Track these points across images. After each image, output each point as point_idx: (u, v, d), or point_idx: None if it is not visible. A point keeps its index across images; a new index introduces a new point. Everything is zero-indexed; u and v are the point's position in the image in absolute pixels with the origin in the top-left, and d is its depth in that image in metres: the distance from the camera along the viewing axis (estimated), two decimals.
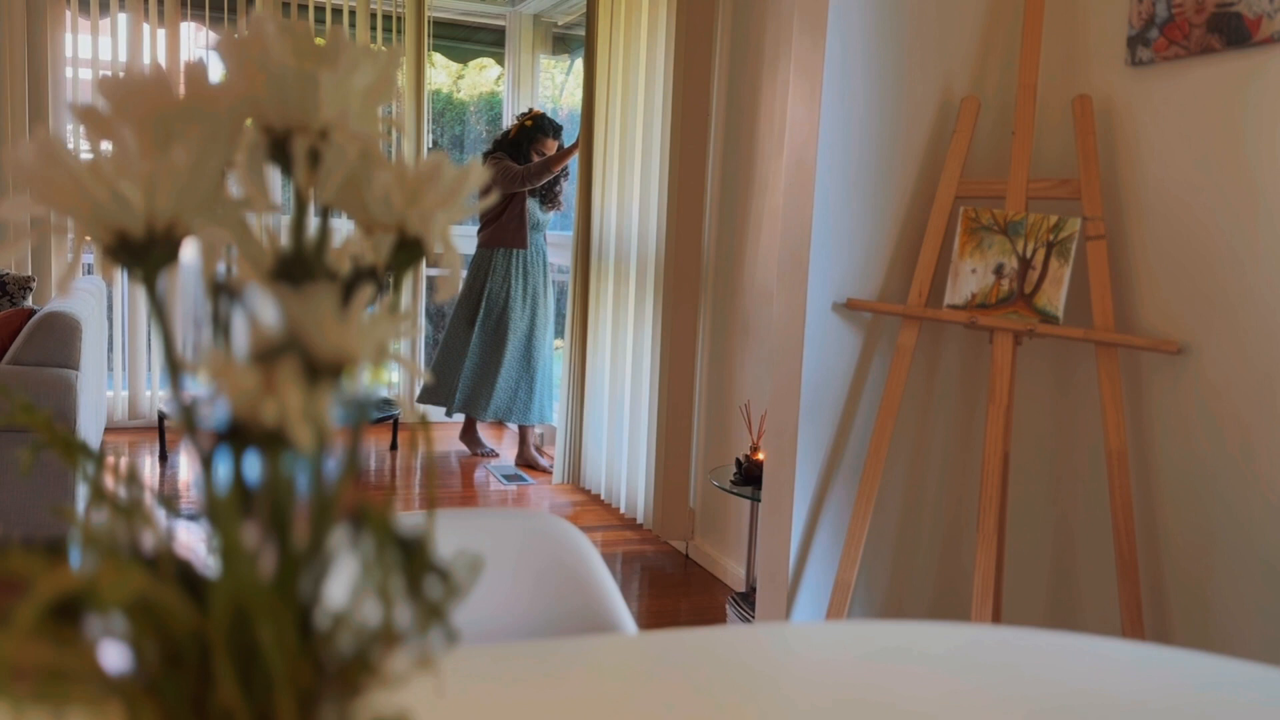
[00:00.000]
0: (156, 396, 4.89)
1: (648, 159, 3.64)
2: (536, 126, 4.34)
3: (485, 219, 4.41)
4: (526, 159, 4.32)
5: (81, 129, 0.38)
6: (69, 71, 4.63)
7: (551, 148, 4.35)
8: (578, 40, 5.43)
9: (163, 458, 4.35)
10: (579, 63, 5.43)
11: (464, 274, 4.49)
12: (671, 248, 3.47)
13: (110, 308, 4.81)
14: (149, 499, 0.36)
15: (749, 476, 2.77)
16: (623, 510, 3.87)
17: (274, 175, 0.40)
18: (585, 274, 4.04)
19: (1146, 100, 1.98)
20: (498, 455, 4.73)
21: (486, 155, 4.42)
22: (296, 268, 0.36)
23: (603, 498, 4.07)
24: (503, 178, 4.25)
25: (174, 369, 0.37)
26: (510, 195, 4.29)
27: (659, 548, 3.56)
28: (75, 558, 0.34)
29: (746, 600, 2.82)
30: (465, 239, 5.46)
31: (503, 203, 4.32)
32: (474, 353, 4.38)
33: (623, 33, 3.88)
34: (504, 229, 4.33)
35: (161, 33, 4.68)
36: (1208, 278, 1.86)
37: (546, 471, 4.46)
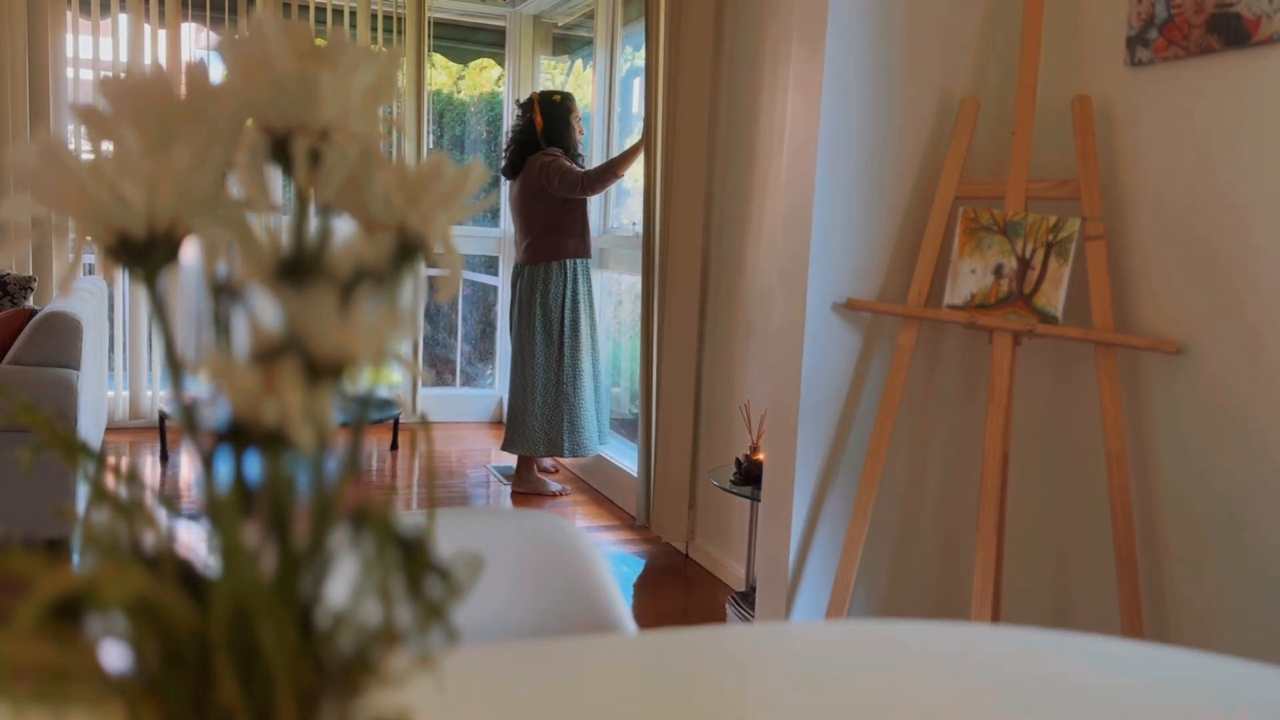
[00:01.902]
0: (157, 396, 4.90)
1: (648, 158, 3.64)
2: (564, 99, 3.85)
3: (540, 227, 3.82)
4: (569, 138, 3.87)
5: (82, 129, 0.38)
6: (70, 72, 4.63)
7: (579, 112, 3.92)
8: (578, 41, 5.44)
9: (163, 458, 4.35)
10: (579, 63, 5.43)
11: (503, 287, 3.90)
12: (672, 248, 3.47)
13: (111, 308, 4.81)
14: (150, 499, 0.36)
15: (749, 476, 2.77)
16: (623, 509, 3.87)
17: (275, 175, 0.40)
18: (649, 289, 3.54)
19: (1146, 101, 1.98)
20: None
21: (520, 154, 3.83)
22: (297, 268, 0.36)
23: (605, 496, 4.07)
24: (562, 182, 3.70)
25: (175, 369, 0.37)
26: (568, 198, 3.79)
27: (659, 548, 3.56)
28: (76, 558, 0.34)
29: (746, 600, 2.82)
30: (465, 239, 5.47)
31: (559, 207, 3.80)
32: (583, 384, 3.90)
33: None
34: (568, 236, 3.81)
35: (162, 33, 4.68)
36: (1207, 278, 1.86)
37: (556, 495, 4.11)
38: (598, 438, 3.98)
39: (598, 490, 4.23)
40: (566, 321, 3.85)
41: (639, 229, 3.73)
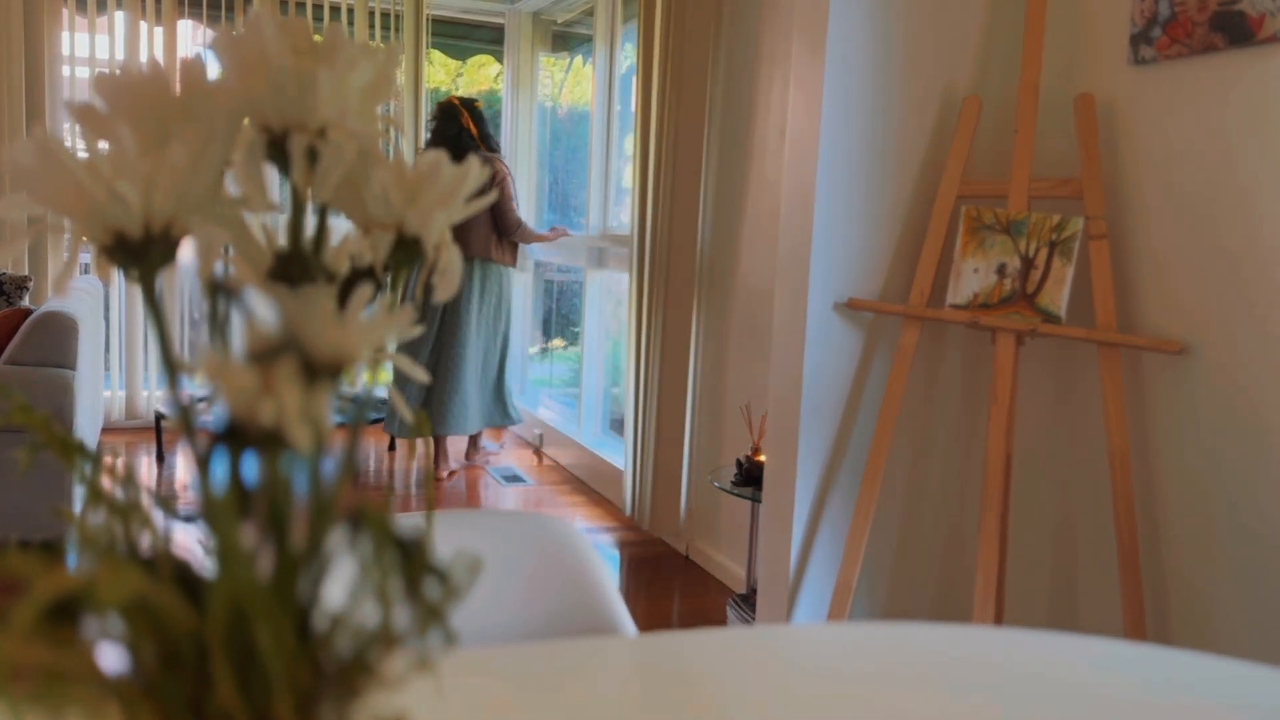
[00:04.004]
0: (154, 397, 4.89)
1: (647, 157, 3.64)
2: (479, 104, 4.21)
3: (486, 228, 4.13)
4: (495, 137, 4.24)
5: (79, 128, 0.38)
6: (66, 70, 4.63)
7: None
8: (577, 38, 5.43)
9: (160, 458, 4.35)
10: (578, 60, 5.43)
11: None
12: (670, 247, 3.47)
13: (107, 307, 4.80)
14: (146, 500, 0.36)
15: (749, 477, 2.77)
16: (622, 510, 3.87)
17: (272, 174, 0.40)
18: (639, 290, 3.65)
19: (1149, 99, 1.97)
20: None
21: (458, 155, 4.07)
22: (294, 267, 0.36)
23: (604, 497, 4.07)
24: (504, 206, 4.05)
25: (171, 369, 0.37)
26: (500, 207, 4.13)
27: (659, 548, 3.56)
28: (72, 559, 0.34)
29: (747, 602, 2.82)
30: None
31: (493, 215, 4.13)
32: (484, 367, 4.30)
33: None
34: (503, 244, 4.17)
35: (159, 31, 4.68)
36: (1210, 277, 1.86)
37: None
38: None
39: (598, 491, 4.23)
40: (504, 314, 4.25)
41: (647, 228, 3.73)
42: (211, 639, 0.33)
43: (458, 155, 4.02)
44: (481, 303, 4.16)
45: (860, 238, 2.22)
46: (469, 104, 4.17)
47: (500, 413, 4.36)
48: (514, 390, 4.56)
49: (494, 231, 4.13)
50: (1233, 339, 1.82)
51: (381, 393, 4.90)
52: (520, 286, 5.30)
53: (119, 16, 4.66)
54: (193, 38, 4.87)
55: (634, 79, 3.70)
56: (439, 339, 4.14)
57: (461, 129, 4.10)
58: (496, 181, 4.06)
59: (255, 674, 0.34)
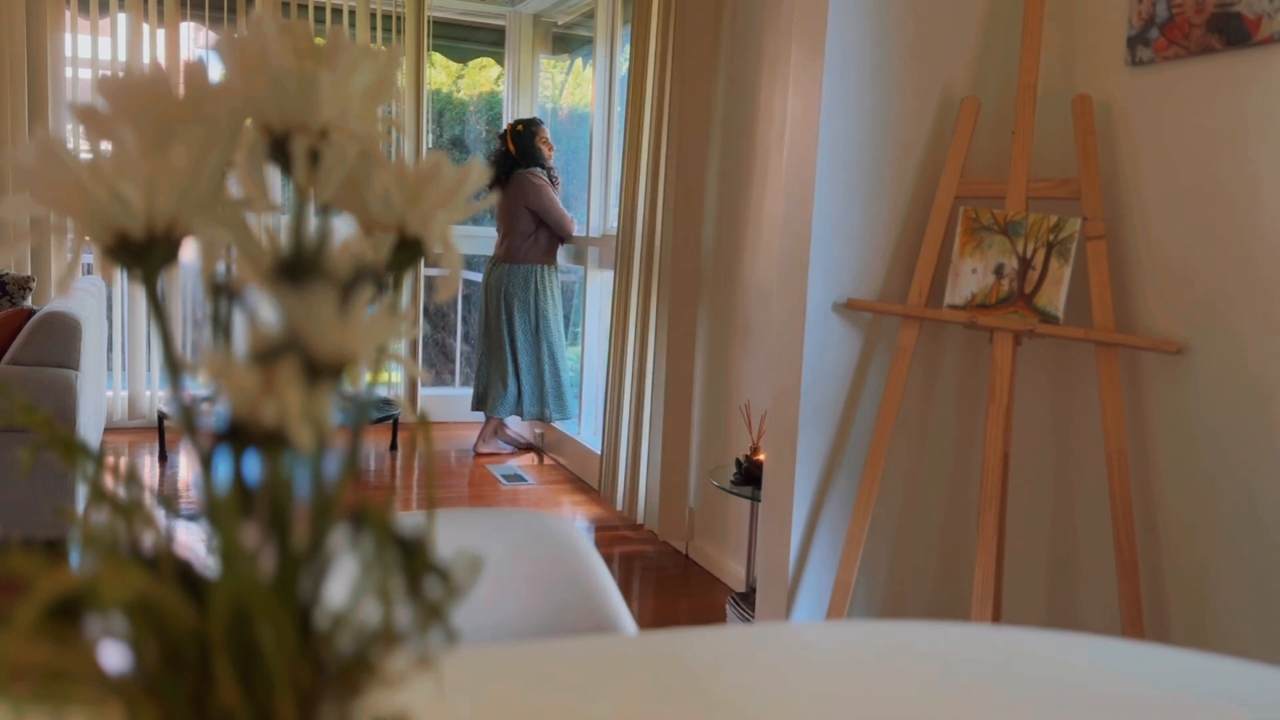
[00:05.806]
0: (156, 396, 4.89)
1: (647, 157, 3.64)
2: (528, 126, 4.56)
3: (525, 231, 4.54)
4: (539, 156, 4.54)
5: (81, 129, 0.38)
6: (69, 71, 4.63)
7: (545, 134, 4.59)
8: (578, 40, 5.43)
9: (162, 458, 4.35)
10: (579, 62, 5.43)
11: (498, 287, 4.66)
12: (672, 247, 3.47)
13: (110, 307, 4.80)
14: (149, 499, 0.36)
15: (749, 476, 2.77)
16: (622, 510, 3.87)
17: (274, 175, 0.40)
18: (627, 283, 3.83)
19: (1146, 100, 1.98)
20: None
21: (503, 171, 4.52)
22: (296, 268, 0.36)
23: (604, 496, 4.07)
24: (561, 218, 4.49)
25: (174, 369, 0.37)
26: (542, 216, 4.52)
27: (659, 548, 3.56)
28: (75, 558, 0.34)
29: (746, 600, 2.82)
30: (465, 239, 5.46)
31: (536, 221, 4.53)
32: (542, 359, 4.68)
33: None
34: (539, 246, 4.58)
35: (161, 32, 4.68)
36: (1208, 278, 1.86)
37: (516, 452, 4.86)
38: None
39: (598, 491, 4.22)
40: (549, 310, 4.63)
41: (638, 229, 3.73)
42: (213, 638, 0.34)
43: (500, 170, 4.59)
44: (527, 302, 4.58)
45: (859, 238, 2.22)
46: (514, 125, 4.60)
47: (548, 406, 4.65)
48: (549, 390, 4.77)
49: (528, 236, 4.53)
50: (1230, 339, 1.82)
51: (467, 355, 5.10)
52: None
53: (121, 19, 4.66)
54: (195, 40, 4.87)
55: (643, 76, 3.70)
56: (509, 332, 4.60)
57: (504, 149, 4.57)
58: (530, 193, 4.45)
59: (257, 673, 0.34)
